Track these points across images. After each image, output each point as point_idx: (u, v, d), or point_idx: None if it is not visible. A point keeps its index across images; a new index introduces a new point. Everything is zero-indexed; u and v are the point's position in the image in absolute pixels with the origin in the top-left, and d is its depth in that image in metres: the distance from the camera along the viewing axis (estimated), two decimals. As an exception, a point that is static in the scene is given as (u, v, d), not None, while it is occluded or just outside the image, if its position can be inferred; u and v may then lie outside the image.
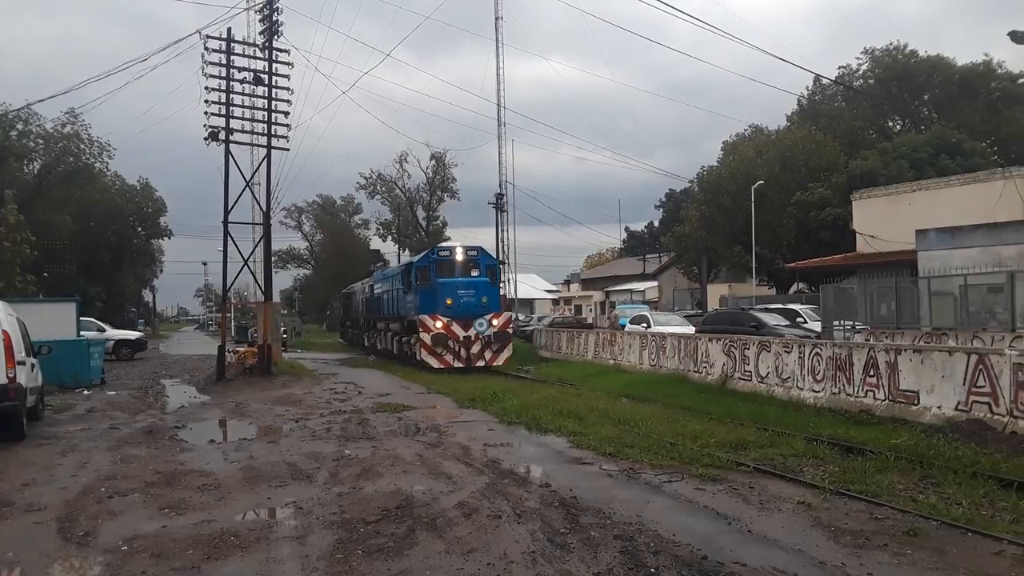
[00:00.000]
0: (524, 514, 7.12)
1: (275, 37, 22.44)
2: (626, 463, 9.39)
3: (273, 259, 33.77)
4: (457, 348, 23.84)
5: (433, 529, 6.72)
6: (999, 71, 49.72)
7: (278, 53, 22.50)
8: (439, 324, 23.66)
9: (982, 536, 6.29)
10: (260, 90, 22.40)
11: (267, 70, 22.30)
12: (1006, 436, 9.84)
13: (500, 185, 50.04)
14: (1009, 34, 17.21)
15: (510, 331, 25.64)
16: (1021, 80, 49.33)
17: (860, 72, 53.09)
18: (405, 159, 67.92)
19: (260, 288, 24.77)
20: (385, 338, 31.58)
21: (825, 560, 5.81)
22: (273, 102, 22.40)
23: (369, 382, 21.38)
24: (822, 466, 9.11)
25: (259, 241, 25.28)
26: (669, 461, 9.32)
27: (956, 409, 10.97)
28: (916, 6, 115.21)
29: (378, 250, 76.27)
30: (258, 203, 26.40)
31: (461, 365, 23.56)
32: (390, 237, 71.45)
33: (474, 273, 25.15)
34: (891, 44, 52.51)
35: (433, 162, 67.99)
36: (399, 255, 59.76)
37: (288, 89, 22.66)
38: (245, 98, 22.45)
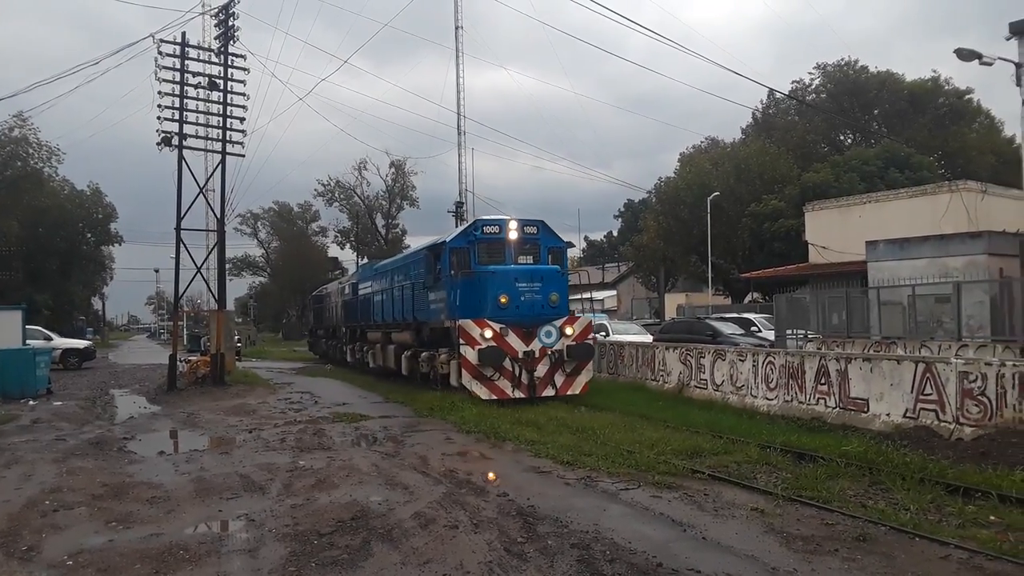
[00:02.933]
0: (481, 524, 7.09)
1: (231, 42, 22.15)
2: (584, 471, 9.41)
3: (227, 266, 33.18)
4: (516, 370, 15.87)
5: (389, 540, 6.64)
6: (946, 87, 51.32)
7: (234, 58, 22.22)
8: (489, 334, 15.61)
9: (929, 541, 6.42)
10: (215, 95, 22.13)
11: (222, 75, 22.01)
12: (952, 442, 10.09)
13: (460, 193, 50.03)
14: (955, 51, 17.76)
15: (591, 342, 16.87)
16: (967, 96, 50.98)
17: (813, 87, 54.32)
18: (364, 166, 67.77)
19: (213, 296, 24.31)
20: (384, 353, 23.12)
21: (777, 566, 5.89)
22: (228, 107, 22.10)
23: (326, 391, 21.11)
24: (775, 473, 9.24)
25: (213, 248, 24.87)
26: (626, 469, 9.36)
27: (904, 416, 11.22)
28: (866, 23, 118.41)
29: (336, 257, 75.83)
30: (212, 209, 26.01)
31: (522, 395, 15.72)
32: (348, 244, 70.97)
33: (530, 259, 17.59)
34: (842, 60, 53.91)
35: (392, 170, 67.92)
36: (357, 262, 59.19)
37: (244, 95, 22.39)
38: (199, 103, 22.15)
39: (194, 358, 25.25)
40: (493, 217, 17.95)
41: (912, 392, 11.15)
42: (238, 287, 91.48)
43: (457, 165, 50.93)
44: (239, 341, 38.14)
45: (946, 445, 10.01)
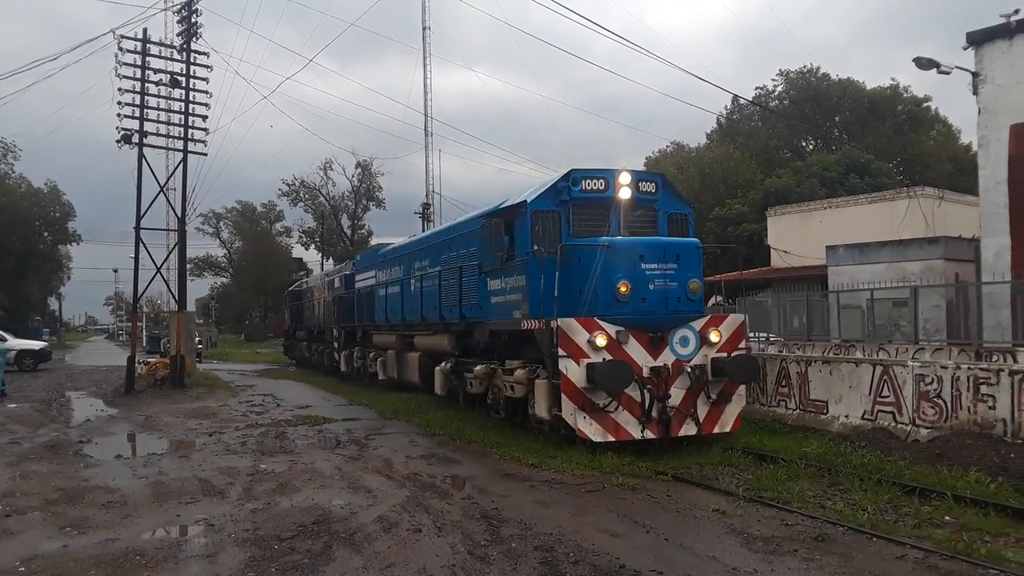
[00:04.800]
0: (445, 527, 7.06)
1: (194, 39, 21.80)
2: (549, 473, 9.43)
3: (188, 267, 32.67)
4: (643, 396, 10.31)
5: (351, 544, 6.58)
6: (905, 95, 52.43)
7: (196, 55, 21.87)
8: (602, 340, 10.23)
9: (886, 541, 6.54)
10: (177, 93, 21.74)
11: (185, 72, 21.65)
12: (909, 444, 10.29)
13: (427, 195, 49.82)
14: (914, 60, 18.11)
15: (744, 349, 11.53)
16: (925, 104, 52.14)
17: (776, 93, 55.12)
18: (330, 166, 67.15)
19: (173, 296, 23.89)
20: (401, 363, 18.17)
21: (738, 566, 5.95)
22: (191, 105, 21.74)
23: (288, 394, 20.88)
24: (737, 474, 9.34)
25: (173, 247, 24.43)
26: (591, 471, 9.39)
27: (863, 418, 11.42)
28: (826, 31, 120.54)
29: (300, 258, 75.09)
30: (173, 209, 25.58)
31: (652, 435, 10.35)
32: (313, 245, 70.30)
33: (647, 230, 12.17)
34: (805, 67, 54.73)
35: (359, 170, 67.43)
36: (322, 263, 58.73)
37: (207, 92, 22.05)
38: (161, 100, 21.77)
39: (153, 360, 24.79)
40: (594, 168, 11.90)
41: (870, 394, 11.36)
42: (199, 288, 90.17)
43: (424, 166, 50.78)
44: (200, 343, 37.53)
45: (903, 446, 10.21)
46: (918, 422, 10.63)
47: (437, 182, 50.77)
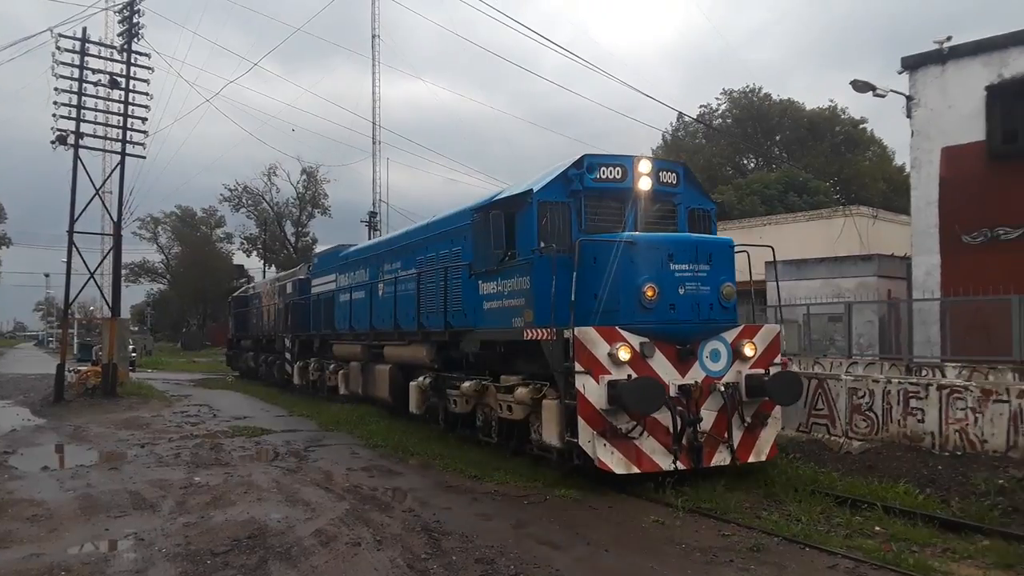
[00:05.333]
0: (385, 540, 6.97)
1: (135, 39, 21.31)
2: (493, 486, 9.41)
3: (124, 272, 31.76)
4: (674, 422, 8.88)
5: (287, 559, 6.45)
6: (843, 117, 54.08)
7: (137, 56, 21.39)
8: (626, 354, 8.85)
9: (818, 551, 6.68)
10: (116, 94, 21.20)
11: (125, 73, 21.11)
12: (842, 455, 10.56)
13: (374, 203, 49.42)
14: (851, 83, 18.69)
15: (780, 364, 10.13)
16: (862, 126, 53.91)
17: (719, 111, 56.30)
18: (274, 172, 66.02)
19: (107, 303, 23.17)
20: (368, 377, 16.04)
21: (677, 578, 6.00)
22: (130, 107, 21.20)
23: (225, 404, 20.41)
24: (676, 486, 9.43)
25: (108, 252, 23.75)
26: (534, 483, 9.39)
27: (798, 430, 11.68)
28: (769, 54, 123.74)
29: (242, 265, 73.60)
30: (109, 212, 24.80)
31: (684, 467, 9.00)
32: (255, 252, 69.02)
33: (668, 227, 10.75)
34: (747, 87, 56.05)
35: (304, 176, 66.49)
36: (264, 271, 57.66)
37: (147, 94, 21.55)
38: (99, 101, 21.18)
39: (84, 368, 23.99)
40: (610, 154, 10.37)
41: (805, 407, 11.62)
42: (135, 294, 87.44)
43: (372, 175, 50.37)
44: (134, 351, 36.46)
45: (836, 458, 10.46)
46: (851, 434, 10.93)
47: (384, 191, 50.34)
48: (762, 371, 9.55)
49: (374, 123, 49.21)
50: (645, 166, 10.34)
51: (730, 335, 9.52)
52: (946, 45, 15.77)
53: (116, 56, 21.36)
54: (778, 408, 9.79)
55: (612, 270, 9.11)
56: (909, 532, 7.28)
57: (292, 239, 69.74)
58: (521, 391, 9.88)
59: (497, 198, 11.02)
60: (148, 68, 21.53)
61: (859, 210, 31.42)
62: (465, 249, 11.93)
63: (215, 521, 7.73)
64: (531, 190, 10.12)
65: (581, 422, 8.61)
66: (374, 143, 49.16)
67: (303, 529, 7.39)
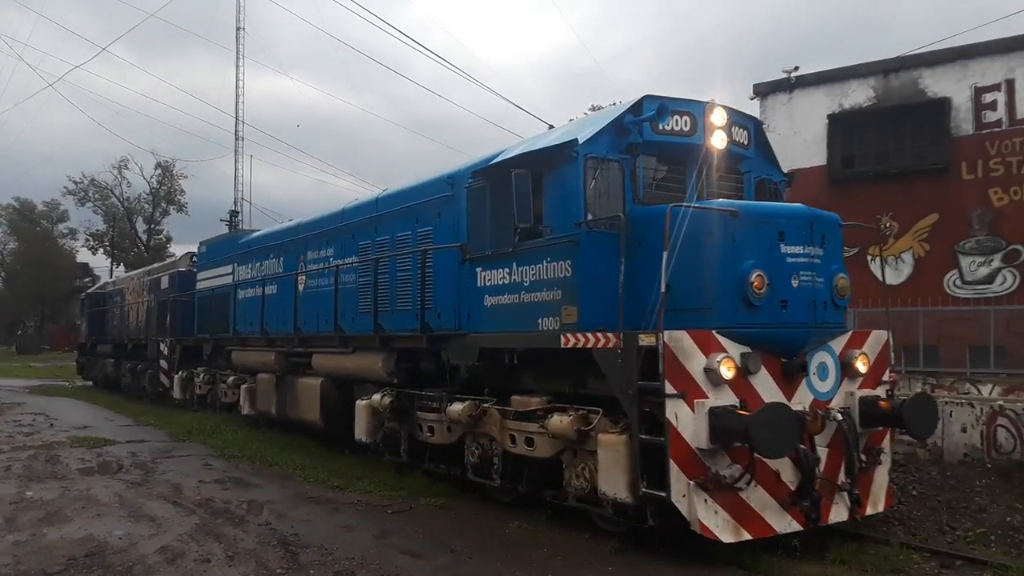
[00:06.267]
0: (237, 556, 6.63)
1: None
2: (356, 496, 9.16)
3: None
4: (802, 466, 6.53)
5: (129, 579, 6.00)
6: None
7: (-31, 31, 19.48)
8: (727, 370, 6.39)
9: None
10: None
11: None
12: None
13: (235, 202, 47.36)
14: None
15: (890, 382, 7.79)
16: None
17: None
18: (125, 165, 62.13)
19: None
20: (288, 394, 12.83)
21: (540, 585, 6.04)
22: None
23: (64, 413, 18.91)
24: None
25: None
26: (399, 492, 9.22)
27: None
28: (633, 73, 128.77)
29: (86, 263, 68.99)
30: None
31: (799, 525, 6.54)
32: (102, 249, 64.63)
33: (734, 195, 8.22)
34: (614, 103, 58.04)
35: (159, 171, 62.94)
36: (111, 270, 54.14)
37: (-20, 74, 19.68)
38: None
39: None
40: (676, 97, 7.82)
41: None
42: (-38, 293, 79.85)
43: (233, 171, 48.19)
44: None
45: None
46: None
47: (247, 189, 48.17)
48: (873, 391, 7.35)
49: (237, 118, 47.18)
50: (719, 116, 7.85)
51: (837, 344, 7.20)
52: (794, 75, 16.89)
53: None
54: (887, 440, 7.66)
55: (704, 251, 6.70)
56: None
57: (144, 237, 65.83)
58: (559, 420, 7.15)
59: (516, 154, 8.10)
60: (-18, 46, 19.73)
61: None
62: (440, 229, 9.45)
63: (49, 539, 7.12)
64: (575, 140, 7.33)
65: (674, 468, 6.13)
66: (237, 139, 47.17)
67: (147, 546, 6.91)
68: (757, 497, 6.38)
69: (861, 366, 7.27)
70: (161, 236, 66.61)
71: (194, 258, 19.63)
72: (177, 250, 52.37)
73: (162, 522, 7.84)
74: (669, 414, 6.17)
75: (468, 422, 8.49)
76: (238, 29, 47.81)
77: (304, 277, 12.81)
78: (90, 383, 28.66)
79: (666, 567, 6.45)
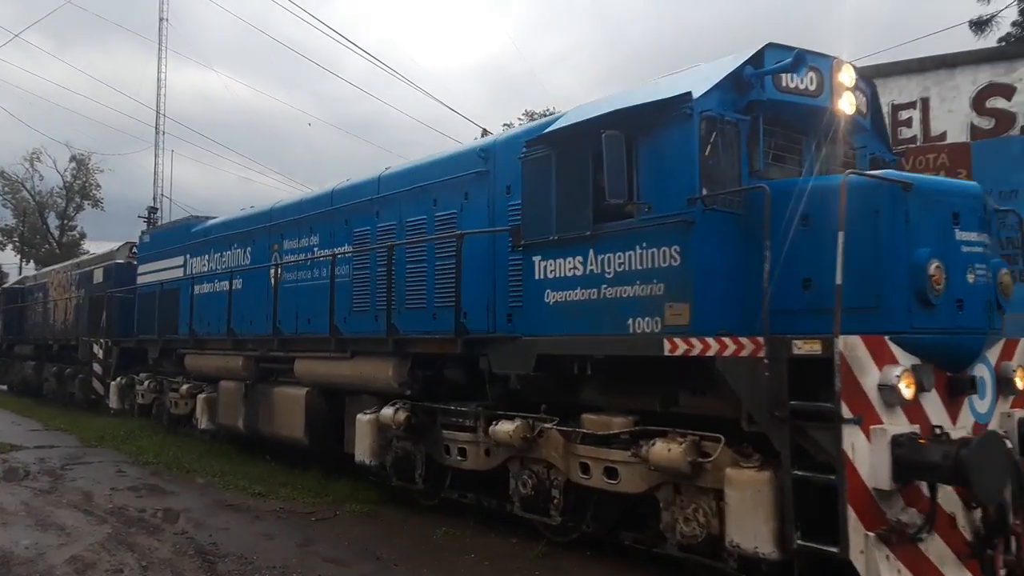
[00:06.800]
0: (152, 566, 6.38)
1: None
2: (278, 503, 8.92)
3: None
4: (997, 510, 5.15)
5: (34, 591, 5.71)
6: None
7: None
8: (907, 387, 5.05)
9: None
10: None
11: None
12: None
13: (154, 198, 45.78)
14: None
15: None
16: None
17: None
18: (38, 158, 59.38)
19: None
20: (267, 405, 10.90)
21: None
22: None
23: (-34, 417, 17.92)
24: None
25: None
26: (323, 499, 9.03)
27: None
28: (565, 79, 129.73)
29: (-6, 260, 65.59)
30: None
31: None
32: (11, 245, 61.60)
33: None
34: (547, 109, 58.48)
35: (73, 164, 60.36)
36: (20, 267, 51.64)
37: None
38: None
39: None
40: (800, 49, 6.28)
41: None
42: None
43: (153, 167, 46.56)
44: None
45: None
46: None
47: (167, 185, 46.52)
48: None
49: (158, 112, 45.66)
50: (848, 76, 6.48)
51: (992, 354, 5.86)
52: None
53: None
54: None
55: (867, 234, 5.34)
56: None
57: (56, 233, 63.01)
58: (664, 448, 5.75)
59: (603, 112, 6.45)
60: None
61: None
62: (468, 212, 8.20)
63: (-55, 552, 6.71)
64: (688, 95, 5.92)
65: (851, 515, 4.81)
66: (157, 133, 45.61)
67: (56, 556, 6.59)
68: (935, 548, 5.07)
69: (1020, 381, 5.95)
70: (75, 232, 63.85)
71: (134, 249, 17.82)
72: (92, 247, 50.27)
73: (72, 531, 7.50)
74: (846, 445, 4.83)
75: (521, 445, 6.93)
76: (161, 20, 46.34)
77: (281, 270, 11.22)
78: (3, 388, 26.25)
79: (592, 572, 6.48)
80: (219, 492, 9.60)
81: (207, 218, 14.86)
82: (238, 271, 12.38)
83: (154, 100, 45.65)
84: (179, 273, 14.49)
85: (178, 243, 14.85)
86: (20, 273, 44.59)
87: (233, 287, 12.19)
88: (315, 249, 10.72)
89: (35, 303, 23.90)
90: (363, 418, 8.70)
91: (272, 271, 11.41)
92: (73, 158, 59.92)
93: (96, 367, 17.79)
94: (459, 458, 7.80)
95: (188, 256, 14.38)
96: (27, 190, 60.83)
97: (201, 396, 12.71)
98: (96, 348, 17.72)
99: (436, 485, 8.30)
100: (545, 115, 58.01)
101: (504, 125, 58.72)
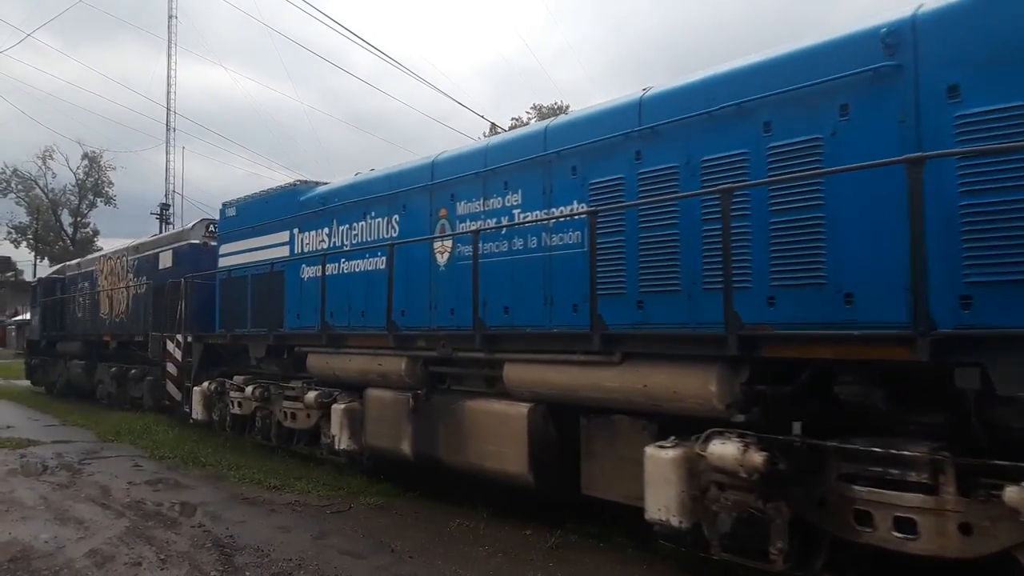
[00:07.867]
0: (170, 559, 6.47)
1: None
2: (293, 496, 9.01)
3: None
4: None
5: (55, 584, 5.80)
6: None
7: None
8: None
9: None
10: None
11: None
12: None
13: (166, 194, 46.12)
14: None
15: None
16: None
17: (530, 125, 58.25)
18: (51, 155, 59.90)
19: None
20: (451, 427, 7.92)
21: (481, 582, 6.04)
22: None
23: (-16, 413, 18.12)
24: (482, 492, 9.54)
25: None
26: (338, 492, 9.11)
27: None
28: (573, 72, 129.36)
29: (8, 257, 66.19)
30: None
31: None
32: (25, 243, 62.13)
33: None
34: (555, 103, 58.41)
35: (86, 162, 60.89)
36: (35, 266, 52.05)
37: None
38: None
39: None
40: None
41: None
42: None
43: (164, 163, 46.85)
44: None
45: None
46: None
47: (179, 181, 46.80)
48: None
49: (168, 108, 45.99)
50: None
51: None
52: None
53: None
54: None
55: None
56: None
57: (70, 230, 63.54)
58: None
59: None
60: None
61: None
62: (846, 134, 5.31)
63: (-33, 546, 6.82)
64: None
65: None
66: (168, 130, 45.92)
67: (75, 550, 6.69)
68: None
69: None
70: (88, 229, 64.49)
71: (211, 228, 15.26)
72: (105, 244, 50.57)
73: (90, 525, 7.60)
74: None
75: None
76: (170, 17, 46.60)
77: (458, 243, 8.49)
78: (42, 390, 23.75)
79: (605, 563, 6.52)
80: (234, 486, 9.70)
81: (316, 183, 11.88)
82: (403, 245, 9.07)
83: (164, 97, 46.06)
84: (282, 251, 11.65)
85: (280, 215, 11.88)
86: (35, 270, 44.89)
87: (391, 267, 8.82)
88: (515, 211, 7.90)
89: (80, 294, 20.94)
90: (662, 455, 5.57)
91: (444, 244, 8.66)
92: (85, 155, 60.53)
93: (170, 367, 14.69)
94: (896, 535, 4.64)
95: (297, 230, 11.43)
96: (40, 188, 61.45)
97: (339, 407, 9.60)
98: (171, 345, 14.59)
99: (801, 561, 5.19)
100: (554, 109, 57.79)
101: (512, 119, 58.57)
